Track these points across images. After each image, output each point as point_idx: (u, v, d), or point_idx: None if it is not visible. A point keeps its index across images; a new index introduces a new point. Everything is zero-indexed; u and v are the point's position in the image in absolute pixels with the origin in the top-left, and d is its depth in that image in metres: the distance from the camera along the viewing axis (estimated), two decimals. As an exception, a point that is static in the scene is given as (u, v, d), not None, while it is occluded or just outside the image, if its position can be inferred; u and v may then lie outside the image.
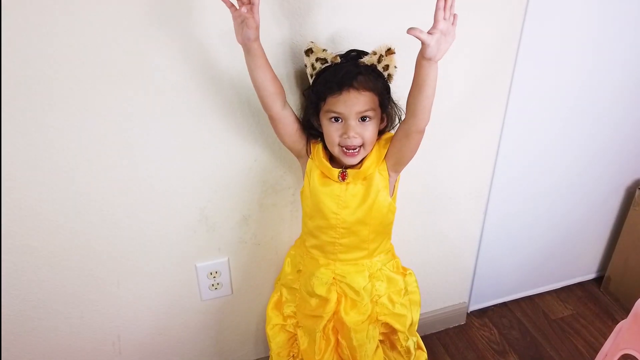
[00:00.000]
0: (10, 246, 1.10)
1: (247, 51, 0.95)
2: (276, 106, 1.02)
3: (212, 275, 1.33)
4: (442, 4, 0.86)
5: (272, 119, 1.05)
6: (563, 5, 1.31)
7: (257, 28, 0.91)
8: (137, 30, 0.98)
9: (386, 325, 1.19)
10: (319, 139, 1.10)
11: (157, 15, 0.98)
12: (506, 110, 1.40)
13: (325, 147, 1.09)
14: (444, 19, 0.87)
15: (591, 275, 1.98)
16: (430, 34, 0.87)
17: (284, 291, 1.24)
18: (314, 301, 1.15)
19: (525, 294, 1.89)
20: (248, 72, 0.98)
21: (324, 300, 1.14)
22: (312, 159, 1.10)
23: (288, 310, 1.23)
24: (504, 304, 1.86)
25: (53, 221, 1.11)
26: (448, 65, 1.20)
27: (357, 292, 1.13)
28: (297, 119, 1.08)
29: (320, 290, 1.14)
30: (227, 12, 0.91)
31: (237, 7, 0.89)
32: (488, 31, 1.25)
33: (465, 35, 1.22)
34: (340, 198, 1.08)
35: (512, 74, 1.34)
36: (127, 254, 1.22)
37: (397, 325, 1.19)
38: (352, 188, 1.08)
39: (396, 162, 1.08)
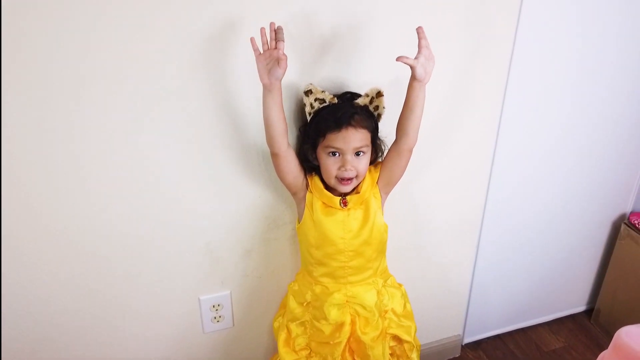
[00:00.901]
0: (15, 281, 1.14)
1: (270, 90, 1.03)
2: (284, 144, 1.10)
3: (215, 308, 1.36)
4: (423, 34, 1.05)
5: (277, 157, 1.12)
6: (546, 48, 1.41)
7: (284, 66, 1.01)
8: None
9: (395, 337, 1.29)
10: (313, 172, 1.19)
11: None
12: (496, 146, 1.47)
13: (320, 179, 1.17)
14: (426, 47, 1.05)
15: (582, 308, 2.02)
16: (416, 59, 1.04)
17: (292, 327, 1.27)
18: (328, 328, 1.22)
19: (518, 326, 1.92)
20: (263, 111, 1.06)
21: (339, 326, 1.21)
22: (310, 192, 1.18)
23: (300, 344, 1.27)
24: (498, 336, 1.89)
25: (62, 257, 1.15)
26: (438, 96, 1.28)
27: (369, 309, 1.22)
28: (297, 156, 1.16)
29: (335, 316, 1.21)
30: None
31: (264, 50, 1.00)
32: (477, 62, 1.32)
33: (454, 67, 1.30)
34: (344, 223, 1.17)
35: (502, 108, 1.41)
36: (134, 287, 1.26)
37: (405, 336, 1.29)
38: (354, 213, 1.18)
39: (387, 182, 1.21)
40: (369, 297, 1.22)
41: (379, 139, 1.18)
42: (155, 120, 1.09)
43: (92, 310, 1.24)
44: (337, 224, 1.17)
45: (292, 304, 1.27)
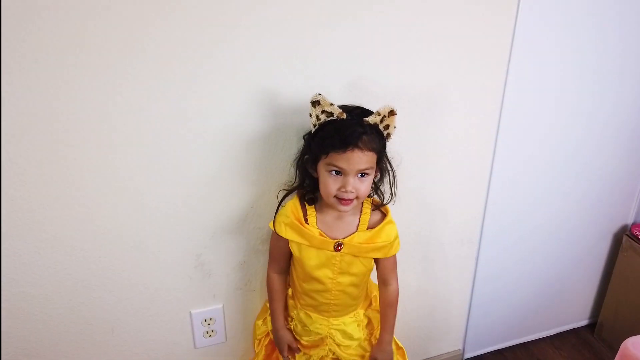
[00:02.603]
0: (3, 296, 1.11)
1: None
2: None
3: (207, 322, 1.32)
4: None
5: None
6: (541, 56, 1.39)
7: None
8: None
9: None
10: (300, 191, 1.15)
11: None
12: (494, 157, 1.45)
13: (302, 199, 1.14)
14: None
15: (584, 322, 1.99)
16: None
17: None
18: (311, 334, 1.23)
19: (520, 340, 1.88)
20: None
21: (315, 344, 1.23)
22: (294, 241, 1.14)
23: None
24: (499, 351, 1.85)
25: (50, 268, 1.12)
26: (437, 119, 1.26)
27: (350, 337, 1.22)
28: (283, 260, 1.21)
29: (313, 340, 1.23)
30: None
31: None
32: (474, 73, 1.31)
33: (452, 73, 1.28)
34: (335, 266, 1.14)
35: (499, 118, 1.39)
36: (123, 300, 1.22)
37: None
38: (347, 256, 1.13)
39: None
40: (348, 328, 1.22)
41: (386, 159, 1.12)
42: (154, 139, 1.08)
43: (77, 323, 1.21)
44: (328, 266, 1.14)
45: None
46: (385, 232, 1.14)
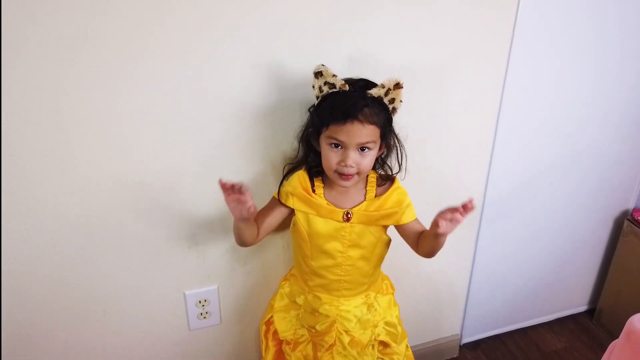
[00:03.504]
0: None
1: (244, 222, 1.04)
2: (254, 242, 1.12)
3: (201, 304, 1.30)
4: (448, 216, 0.98)
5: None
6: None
7: (255, 213, 1.01)
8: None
9: (381, 342, 1.23)
10: (306, 164, 1.12)
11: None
12: (494, 141, 1.42)
13: (310, 172, 1.11)
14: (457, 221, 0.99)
15: (583, 308, 1.97)
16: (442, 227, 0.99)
17: (275, 318, 1.24)
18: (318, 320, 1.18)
19: (518, 326, 1.87)
20: (235, 230, 1.08)
21: (324, 332, 1.17)
22: (300, 210, 1.11)
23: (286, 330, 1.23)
24: (497, 336, 1.84)
25: (40, 247, 1.09)
26: (434, 90, 1.23)
27: (354, 330, 1.17)
28: (263, 220, 1.12)
29: (321, 327, 1.17)
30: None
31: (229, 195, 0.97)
32: (475, 56, 1.28)
33: (451, 61, 1.25)
34: (345, 238, 1.10)
35: (500, 103, 1.37)
36: (114, 280, 1.19)
37: (392, 343, 1.23)
38: (357, 227, 1.10)
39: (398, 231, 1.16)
40: (358, 313, 1.17)
41: (393, 134, 1.08)
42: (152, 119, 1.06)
43: (71, 305, 1.18)
44: (338, 238, 1.10)
45: (280, 302, 1.24)
46: (393, 198, 1.11)
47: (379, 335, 1.20)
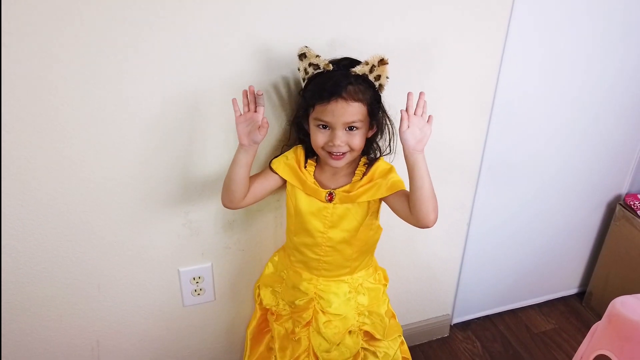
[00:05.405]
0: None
1: (247, 151, 1.03)
2: (241, 200, 1.09)
3: (195, 281, 1.31)
4: (411, 102, 0.98)
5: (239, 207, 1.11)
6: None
7: (266, 133, 1.01)
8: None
9: (367, 333, 1.21)
10: (303, 145, 1.13)
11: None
12: (489, 124, 1.42)
13: (305, 150, 1.12)
14: (415, 114, 0.99)
15: (573, 290, 2.00)
16: (404, 128, 0.98)
17: (263, 291, 1.26)
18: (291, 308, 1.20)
19: (509, 307, 1.89)
20: (232, 167, 1.05)
21: (302, 309, 1.18)
22: (291, 184, 1.12)
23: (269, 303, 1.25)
24: (487, 317, 1.87)
25: (34, 222, 1.10)
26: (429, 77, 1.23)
27: (332, 312, 1.16)
28: (253, 182, 1.11)
29: (300, 302, 1.17)
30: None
31: (245, 112, 1.00)
32: (471, 36, 1.28)
33: (445, 42, 1.25)
34: (327, 218, 1.11)
35: (495, 86, 1.36)
36: (108, 257, 1.21)
37: (377, 335, 1.21)
38: (339, 208, 1.10)
39: (390, 207, 1.11)
40: (337, 295, 1.16)
41: (383, 111, 1.07)
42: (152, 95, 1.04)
43: (65, 279, 1.19)
44: (319, 217, 1.10)
45: (268, 270, 1.27)
46: (378, 172, 1.09)
47: (363, 324, 1.20)
